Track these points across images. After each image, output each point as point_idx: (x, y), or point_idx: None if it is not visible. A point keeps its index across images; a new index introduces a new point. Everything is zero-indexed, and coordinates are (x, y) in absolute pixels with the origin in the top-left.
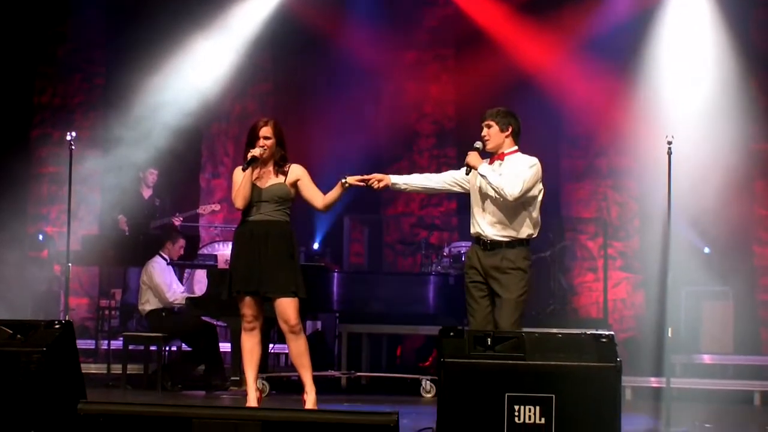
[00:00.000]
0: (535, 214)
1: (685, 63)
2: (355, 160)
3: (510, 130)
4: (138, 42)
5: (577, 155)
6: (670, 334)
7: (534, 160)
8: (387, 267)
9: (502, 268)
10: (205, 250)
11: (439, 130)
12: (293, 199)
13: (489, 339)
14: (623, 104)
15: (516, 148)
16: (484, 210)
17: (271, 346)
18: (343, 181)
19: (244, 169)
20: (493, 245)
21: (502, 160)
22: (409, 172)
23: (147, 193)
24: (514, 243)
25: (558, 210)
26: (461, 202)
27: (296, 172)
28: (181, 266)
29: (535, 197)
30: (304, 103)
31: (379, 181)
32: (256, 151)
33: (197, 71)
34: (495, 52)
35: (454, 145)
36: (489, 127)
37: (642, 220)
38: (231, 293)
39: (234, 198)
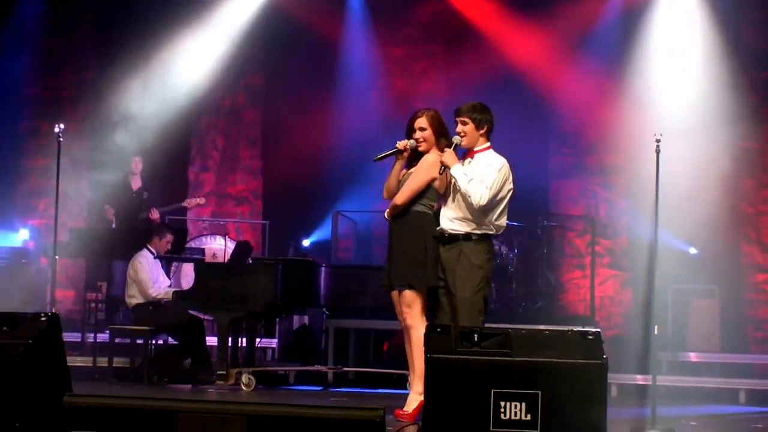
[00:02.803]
0: (498, 213)
1: (675, 61)
2: (346, 155)
3: (485, 128)
4: (128, 34)
5: (567, 152)
6: (656, 332)
7: (501, 162)
8: (376, 262)
9: (458, 264)
10: (192, 244)
11: None
12: (424, 189)
13: (476, 335)
14: (613, 102)
15: (488, 144)
16: (449, 205)
17: (257, 340)
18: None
19: (377, 159)
20: (451, 239)
21: (473, 158)
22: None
23: (136, 183)
24: (472, 237)
25: (547, 207)
26: None
27: (422, 160)
28: (168, 260)
29: (502, 198)
30: (294, 96)
31: None
32: (400, 144)
33: (187, 64)
34: (485, 48)
35: None
36: (464, 123)
37: (630, 218)
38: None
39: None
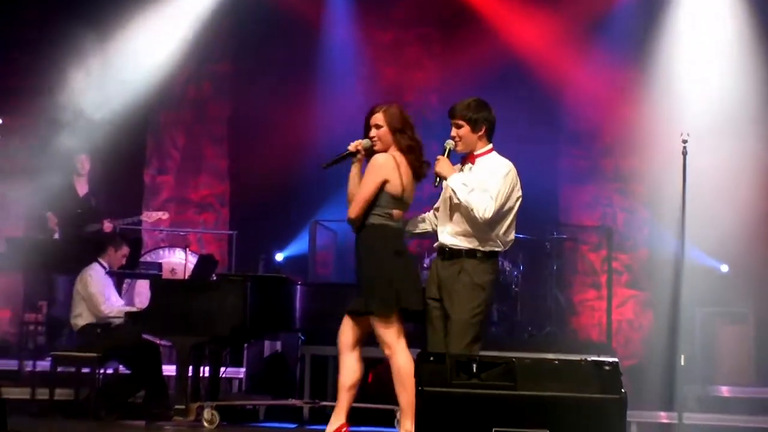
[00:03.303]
0: (506, 227)
1: (704, 50)
2: (326, 155)
3: (483, 129)
4: (75, 18)
5: (579, 154)
6: (682, 362)
7: (507, 167)
8: None
9: (458, 282)
10: (147, 257)
11: (419, 122)
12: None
13: (474, 365)
14: (632, 96)
15: (489, 147)
16: (449, 219)
17: (222, 369)
18: None
19: (325, 166)
20: (452, 254)
21: (473, 163)
22: None
23: (82, 187)
24: (476, 253)
25: (556, 216)
26: None
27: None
28: (120, 276)
29: (510, 209)
30: (267, 87)
31: None
32: (351, 145)
33: (143, 48)
34: (486, 33)
35: (437, 140)
36: (459, 127)
37: (652, 230)
38: None
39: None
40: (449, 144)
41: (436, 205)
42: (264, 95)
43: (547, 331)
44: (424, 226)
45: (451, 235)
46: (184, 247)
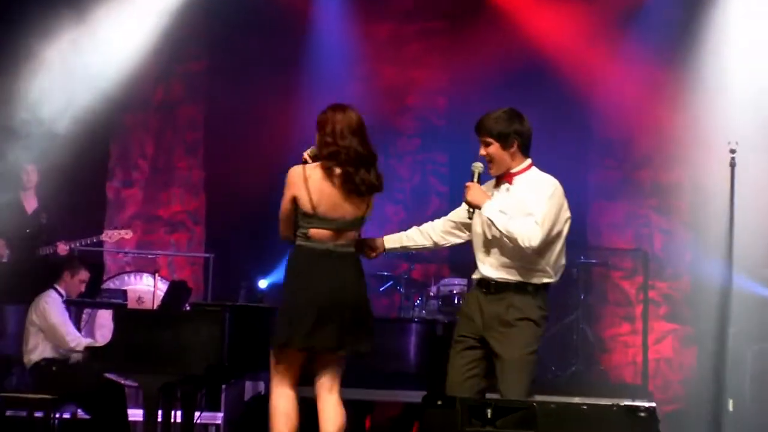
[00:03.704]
0: (556, 254)
1: (757, 47)
2: None
3: (515, 145)
4: (24, 9)
5: (611, 165)
6: (731, 408)
7: (552, 186)
8: None
9: (507, 320)
10: (111, 284)
11: (425, 129)
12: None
13: (489, 410)
14: (672, 99)
15: (528, 162)
16: (488, 252)
17: (197, 414)
18: None
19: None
20: (498, 288)
21: (511, 182)
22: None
23: (30, 203)
24: (527, 287)
25: (584, 237)
26: None
27: None
28: (79, 305)
29: (560, 233)
30: (246, 87)
31: (375, 248)
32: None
33: (105, 44)
34: (501, 26)
35: (445, 149)
36: (487, 145)
37: (695, 254)
38: None
39: None
40: (477, 167)
41: (450, 216)
42: (244, 98)
43: (573, 371)
44: (420, 241)
45: (494, 267)
46: (153, 272)
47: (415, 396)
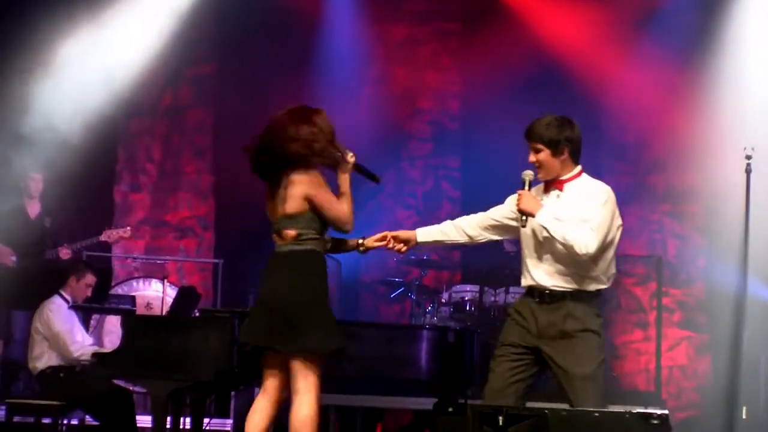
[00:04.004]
0: (609, 261)
1: None
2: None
3: (566, 152)
4: (31, 12)
5: (623, 170)
6: (744, 415)
7: (606, 193)
8: (364, 316)
9: (567, 331)
10: (119, 290)
11: (438, 132)
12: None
13: (500, 417)
14: (687, 102)
15: (579, 169)
16: (540, 260)
17: (206, 420)
18: (359, 242)
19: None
20: (554, 297)
21: (561, 189)
22: (395, 186)
23: (33, 209)
24: (582, 295)
25: None
26: None
27: None
28: (87, 311)
29: (613, 240)
30: (258, 92)
31: (406, 241)
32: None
33: (113, 48)
34: (514, 28)
35: (457, 153)
36: (537, 151)
37: (709, 260)
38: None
39: (350, 219)
40: (528, 175)
41: (492, 214)
42: (254, 101)
43: None
44: (454, 237)
45: (548, 275)
46: (162, 278)
47: (426, 403)
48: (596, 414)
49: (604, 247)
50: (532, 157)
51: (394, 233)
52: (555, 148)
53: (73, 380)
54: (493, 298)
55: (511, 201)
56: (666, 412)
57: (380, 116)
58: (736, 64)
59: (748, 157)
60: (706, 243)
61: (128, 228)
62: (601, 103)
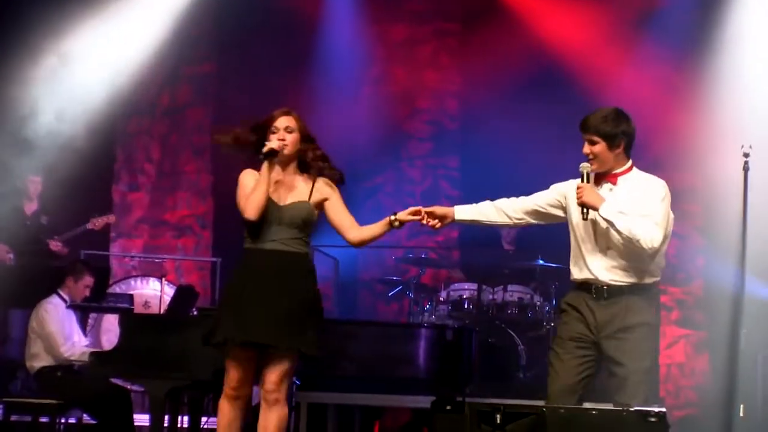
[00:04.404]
0: (662, 254)
1: None
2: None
3: (621, 144)
4: (26, 11)
5: None
6: (742, 414)
7: (664, 188)
8: (363, 315)
9: (626, 325)
10: (117, 288)
11: (437, 132)
12: (316, 224)
13: (498, 415)
14: (685, 101)
15: (630, 164)
16: (599, 250)
17: (204, 419)
18: (393, 218)
19: (262, 159)
20: (611, 292)
21: (615, 183)
22: (394, 186)
23: (30, 207)
24: (640, 288)
25: None
26: (465, 229)
27: (324, 188)
28: (85, 310)
29: (667, 235)
30: (257, 91)
31: (442, 218)
32: (273, 143)
33: (111, 48)
34: (513, 28)
35: (456, 153)
36: (593, 143)
37: (708, 259)
38: (212, 341)
39: (244, 206)
40: (586, 167)
41: (536, 200)
42: (253, 100)
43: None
44: (493, 218)
45: (607, 269)
46: (160, 277)
47: (425, 401)
48: (594, 412)
49: (662, 241)
50: (586, 149)
51: (429, 209)
52: (611, 141)
53: (70, 379)
54: (491, 297)
55: (558, 189)
56: (664, 410)
57: (379, 116)
58: (734, 64)
59: (746, 156)
60: (704, 242)
61: (112, 215)
62: (600, 103)
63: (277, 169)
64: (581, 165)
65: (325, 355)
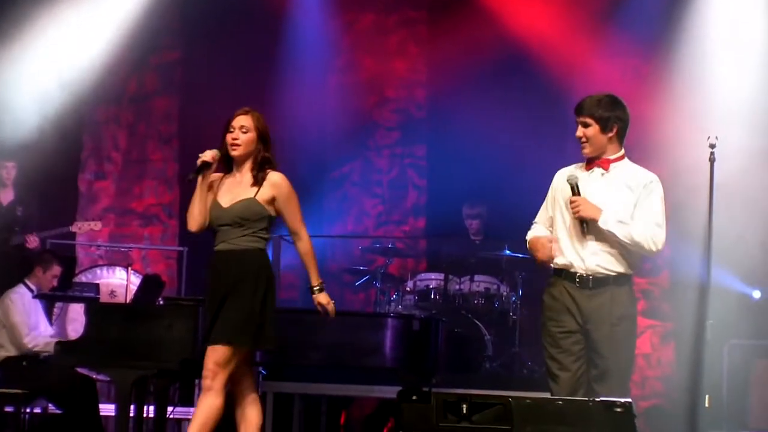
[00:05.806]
0: None
1: (739, 42)
2: (293, 159)
3: (615, 130)
4: None
5: None
6: (707, 404)
7: (659, 183)
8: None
9: (613, 318)
10: (83, 277)
11: (404, 121)
12: (270, 218)
13: (464, 405)
14: (652, 93)
15: (622, 152)
16: (584, 234)
17: (170, 408)
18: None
19: (189, 180)
20: (597, 282)
21: (607, 169)
22: (361, 176)
23: (6, 196)
24: (624, 279)
25: None
26: (431, 219)
27: (272, 188)
28: (51, 299)
29: None
30: (223, 78)
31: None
32: (207, 155)
33: (77, 35)
34: (483, 17)
35: (424, 142)
36: (586, 125)
37: (674, 249)
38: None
39: (188, 218)
40: (574, 179)
41: (543, 222)
42: (219, 89)
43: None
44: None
45: (593, 254)
46: (126, 266)
47: (391, 391)
48: (560, 402)
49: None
50: (579, 132)
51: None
52: (604, 125)
53: (35, 369)
54: (457, 287)
55: (552, 202)
56: (629, 400)
57: (347, 105)
58: (702, 53)
59: (712, 147)
60: (670, 232)
61: (99, 222)
62: (566, 91)
63: (237, 169)
64: (568, 177)
65: (289, 344)
